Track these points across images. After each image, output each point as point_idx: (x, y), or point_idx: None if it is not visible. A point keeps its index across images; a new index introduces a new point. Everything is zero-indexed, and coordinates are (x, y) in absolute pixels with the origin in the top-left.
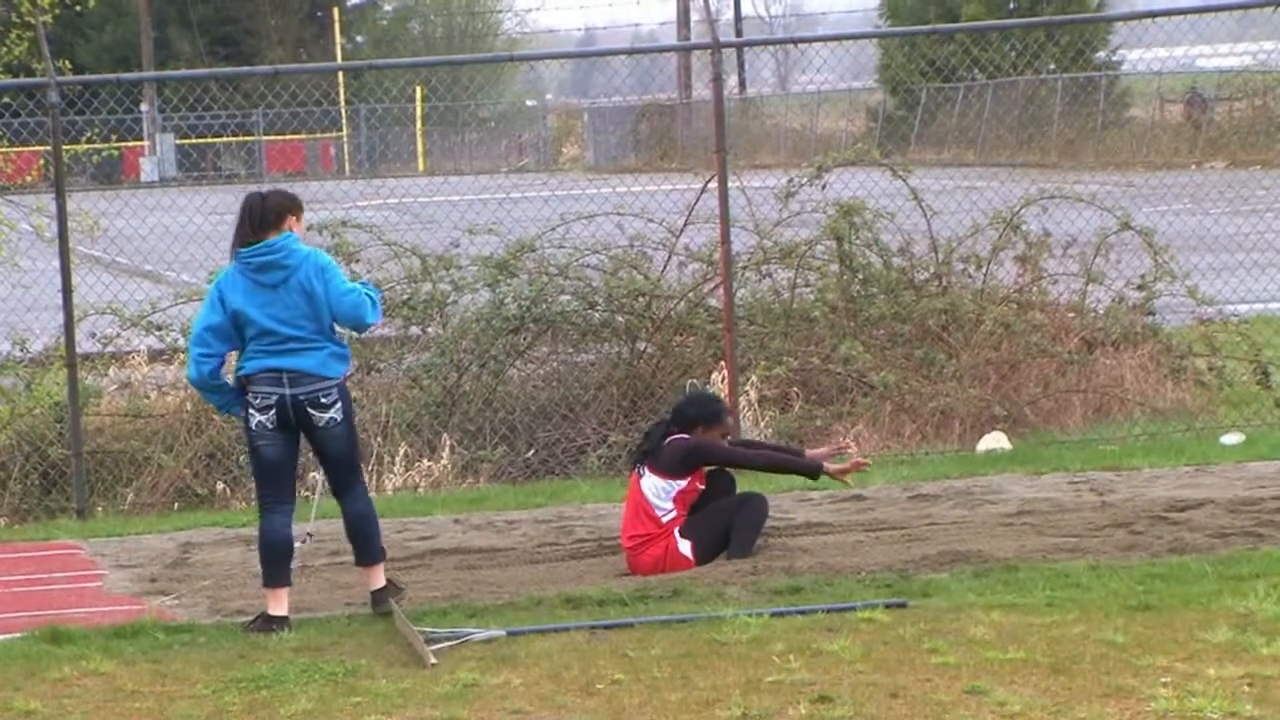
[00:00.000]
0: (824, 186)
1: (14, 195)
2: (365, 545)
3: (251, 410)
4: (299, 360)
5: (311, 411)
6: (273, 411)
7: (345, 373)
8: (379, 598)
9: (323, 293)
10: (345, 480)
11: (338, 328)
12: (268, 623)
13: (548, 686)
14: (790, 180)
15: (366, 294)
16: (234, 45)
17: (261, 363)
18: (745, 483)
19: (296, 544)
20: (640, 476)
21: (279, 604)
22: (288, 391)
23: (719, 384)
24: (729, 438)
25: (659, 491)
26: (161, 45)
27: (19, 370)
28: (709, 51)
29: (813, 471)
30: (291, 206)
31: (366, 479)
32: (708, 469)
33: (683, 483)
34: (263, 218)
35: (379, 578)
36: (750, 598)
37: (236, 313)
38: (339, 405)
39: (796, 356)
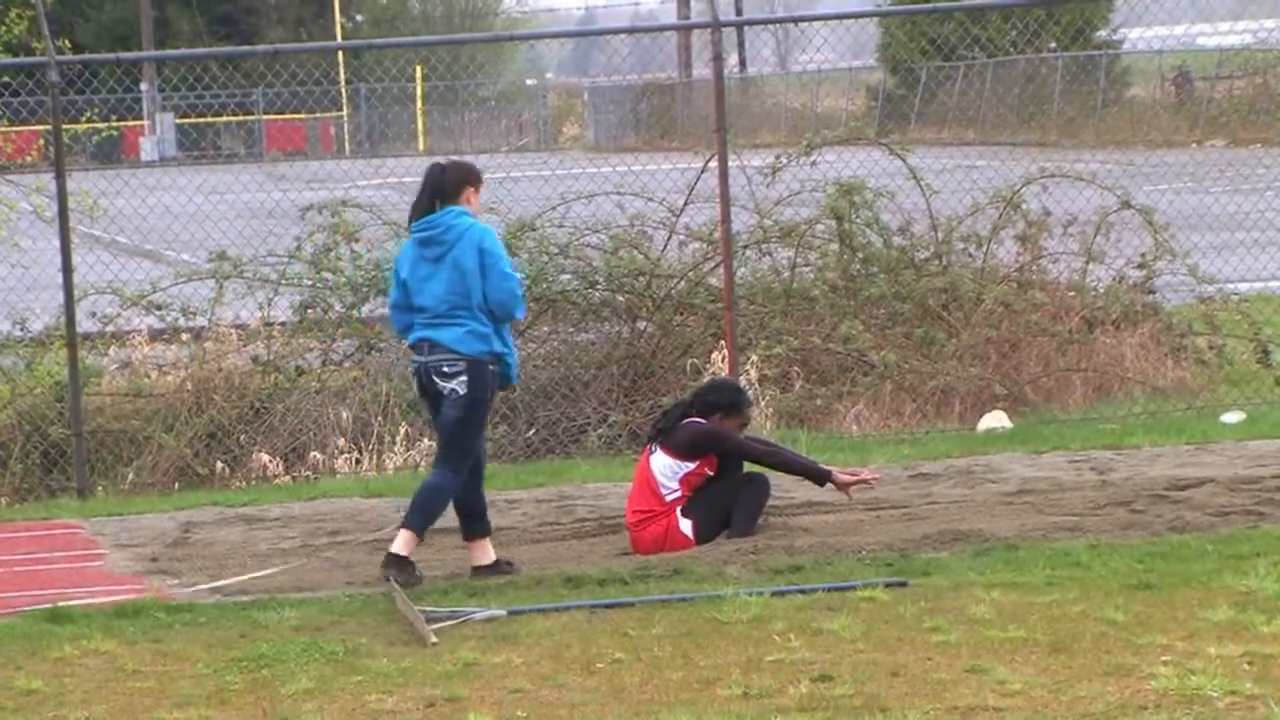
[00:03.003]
0: (813, 163)
1: (14, 175)
2: (411, 507)
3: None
4: (439, 333)
5: (435, 379)
6: (416, 379)
7: (480, 352)
8: (389, 561)
9: (476, 269)
10: (441, 451)
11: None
12: (475, 574)
13: (548, 665)
14: (778, 157)
15: None
16: (233, 24)
17: (415, 334)
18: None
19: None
20: (651, 453)
21: (481, 554)
22: (424, 359)
23: (719, 363)
24: (746, 429)
25: (667, 471)
26: (161, 24)
27: (19, 350)
28: (709, 30)
29: (820, 477)
30: (469, 179)
31: (459, 468)
32: (720, 459)
33: (691, 465)
34: (439, 189)
35: (402, 545)
36: (751, 577)
37: (404, 282)
38: (462, 379)
39: (797, 336)
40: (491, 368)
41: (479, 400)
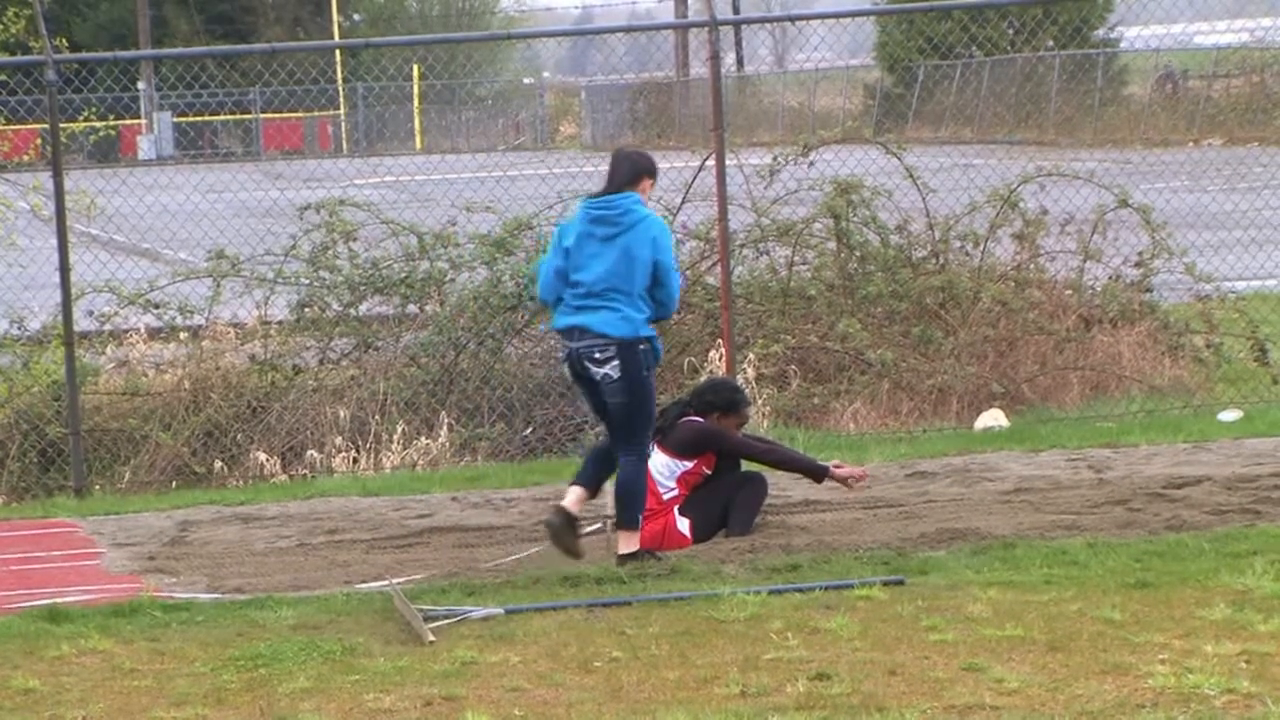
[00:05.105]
0: (810, 164)
1: (11, 174)
2: (620, 511)
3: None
4: (588, 317)
5: (588, 365)
6: (566, 365)
7: (628, 334)
8: (623, 561)
9: (648, 261)
10: (615, 439)
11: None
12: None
13: (546, 664)
14: (775, 158)
15: None
16: (231, 23)
17: (562, 320)
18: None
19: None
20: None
21: (626, 543)
22: (574, 345)
23: (717, 362)
24: (744, 428)
25: (664, 469)
26: (158, 23)
27: (17, 349)
28: (706, 29)
29: (818, 473)
30: (650, 170)
31: (639, 450)
32: (718, 458)
33: (689, 464)
34: (622, 173)
35: (627, 544)
36: (748, 575)
37: (568, 251)
38: (615, 364)
39: (794, 334)
40: (642, 348)
41: (636, 380)
